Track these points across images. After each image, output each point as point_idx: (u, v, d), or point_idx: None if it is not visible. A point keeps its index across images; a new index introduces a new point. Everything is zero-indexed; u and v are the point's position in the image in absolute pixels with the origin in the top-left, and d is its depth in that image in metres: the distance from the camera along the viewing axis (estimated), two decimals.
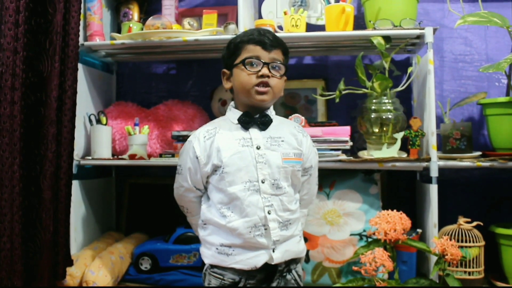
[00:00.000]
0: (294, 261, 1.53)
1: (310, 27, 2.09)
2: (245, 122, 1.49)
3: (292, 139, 1.52)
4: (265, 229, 1.43)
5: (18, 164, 1.63)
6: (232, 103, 1.58)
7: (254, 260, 1.42)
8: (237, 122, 1.50)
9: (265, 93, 1.47)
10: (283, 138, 1.50)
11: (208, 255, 1.49)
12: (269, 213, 1.43)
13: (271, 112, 1.55)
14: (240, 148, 1.45)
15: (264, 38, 1.49)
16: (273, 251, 1.43)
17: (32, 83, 1.71)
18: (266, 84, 1.46)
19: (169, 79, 2.52)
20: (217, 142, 1.47)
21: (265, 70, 1.46)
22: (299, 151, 1.52)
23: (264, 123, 1.50)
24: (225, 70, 1.58)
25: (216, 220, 1.46)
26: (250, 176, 1.44)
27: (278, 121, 1.55)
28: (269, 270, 1.46)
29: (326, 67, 2.36)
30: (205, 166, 1.48)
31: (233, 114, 1.53)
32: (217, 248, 1.46)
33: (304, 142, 1.55)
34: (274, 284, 1.48)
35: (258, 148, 1.46)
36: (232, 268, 1.44)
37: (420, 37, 1.92)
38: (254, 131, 1.49)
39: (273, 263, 1.44)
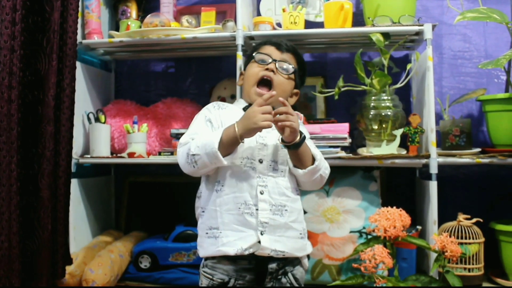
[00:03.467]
0: (292, 263, 1.50)
1: (308, 24, 2.09)
2: None
3: None
4: (256, 209, 1.43)
5: (16, 162, 1.63)
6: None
7: (241, 241, 1.41)
8: (243, 109, 1.56)
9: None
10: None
11: (201, 244, 1.50)
12: (261, 193, 1.44)
13: None
14: None
15: (280, 42, 1.63)
16: (262, 234, 1.41)
17: (30, 81, 1.71)
18: (269, 79, 1.55)
19: (167, 77, 2.52)
20: (222, 116, 1.53)
21: (272, 65, 1.57)
22: None
23: None
24: (243, 71, 1.68)
25: (211, 197, 1.47)
26: (249, 154, 1.46)
27: None
28: (259, 271, 1.44)
29: (325, 64, 2.36)
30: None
31: (239, 104, 1.62)
32: (206, 233, 1.47)
33: (302, 128, 1.58)
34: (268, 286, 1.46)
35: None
36: (220, 258, 1.43)
37: (419, 33, 1.92)
38: None
39: (260, 250, 1.41)
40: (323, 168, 1.51)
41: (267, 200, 1.44)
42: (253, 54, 1.61)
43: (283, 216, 1.46)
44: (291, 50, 1.62)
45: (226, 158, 1.38)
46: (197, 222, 1.57)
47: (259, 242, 1.41)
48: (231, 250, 1.41)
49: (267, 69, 1.56)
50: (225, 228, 1.43)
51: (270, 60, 1.57)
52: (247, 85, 1.59)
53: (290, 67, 1.59)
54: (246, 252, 1.41)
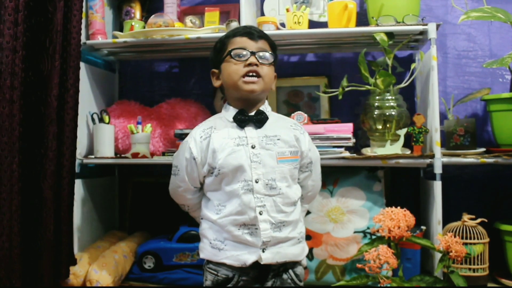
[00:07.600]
0: (291, 261, 1.51)
1: (312, 24, 2.09)
2: (241, 121, 1.48)
3: (288, 137, 1.50)
4: (256, 228, 1.42)
5: (17, 163, 1.62)
6: (227, 102, 1.57)
7: (243, 257, 1.43)
8: (232, 120, 1.50)
9: (254, 83, 1.46)
10: (279, 137, 1.49)
11: (203, 249, 1.51)
12: (260, 213, 1.43)
13: (266, 108, 1.54)
14: (235, 147, 1.45)
15: (250, 30, 1.51)
16: (263, 251, 1.43)
17: (32, 82, 1.70)
18: (255, 74, 1.46)
19: (171, 78, 2.52)
20: (213, 143, 1.46)
21: (252, 59, 1.46)
22: (295, 149, 1.51)
23: (259, 121, 1.49)
24: (214, 70, 1.57)
25: (209, 215, 1.48)
26: (245, 176, 1.43)
27: (274, 119, 1.55)
28: (262, 268, 1.46)
29: (329, 64, 2.35)
30: (202, 167, 1.49)
31: (228, 112, 1.53)
32: (210, 243, 1.48)
33: (301, 139, 1.54)
34: (269, 283, 1.47)
35: (253, 147, 1.45)
36: (224, 263, 1.45)
37: (423, 33, 1.91)
38: (249, 130, 1.48)
39: (262, 263, 1.43)
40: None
41: (267, 220, 1.43)
42: (228, 52, 1.48)
43: (282, 232, 1.46)
44: (262, 36, 1.51)
45: None
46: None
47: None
48: (235, 263, 1.44)
49: (249, 64, 1.45)
50: (227, 244, 1.45)
51: (248, 55, 1.46)
52: (230, 82, 1.48)
53: (269, 55, 1.49)
54: (250, 265, 1.44)
